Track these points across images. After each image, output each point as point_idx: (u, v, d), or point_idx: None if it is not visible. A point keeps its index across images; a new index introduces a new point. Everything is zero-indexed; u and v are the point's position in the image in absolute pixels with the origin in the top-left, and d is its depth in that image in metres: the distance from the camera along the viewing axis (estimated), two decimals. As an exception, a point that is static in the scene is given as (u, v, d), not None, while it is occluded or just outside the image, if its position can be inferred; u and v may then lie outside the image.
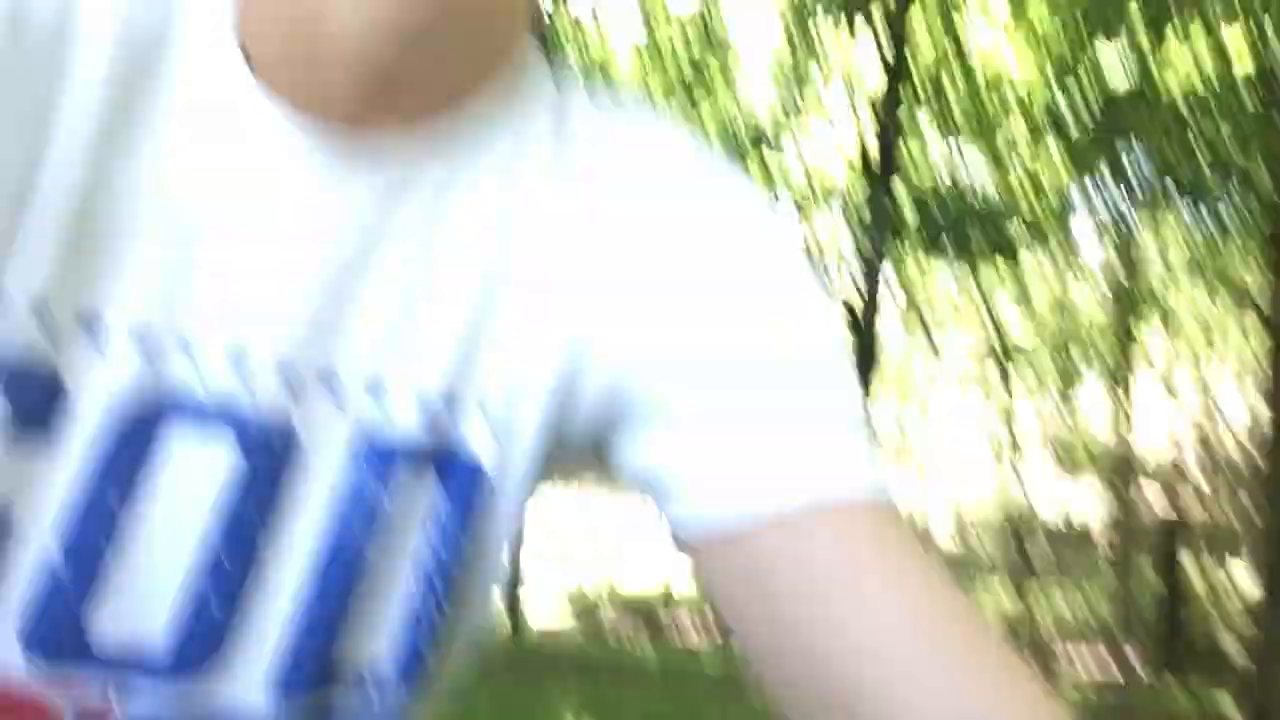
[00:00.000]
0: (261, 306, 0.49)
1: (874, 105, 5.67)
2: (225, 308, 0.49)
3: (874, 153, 6.08)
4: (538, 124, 0.55)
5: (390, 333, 0.51)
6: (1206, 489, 13.46)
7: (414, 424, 0.51)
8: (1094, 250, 11.92)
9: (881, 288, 6.98)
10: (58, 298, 0.46)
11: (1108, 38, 5.69)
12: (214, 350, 0.48)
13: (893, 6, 5.82)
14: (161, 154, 0.48)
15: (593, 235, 0.54)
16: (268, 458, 0.49)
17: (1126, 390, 13.39)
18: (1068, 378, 14.10)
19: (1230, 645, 10.70)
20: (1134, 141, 6.31)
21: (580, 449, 0.55)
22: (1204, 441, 13.52)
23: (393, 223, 0.51)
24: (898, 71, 5.39)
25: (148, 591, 0.47)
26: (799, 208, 7.57)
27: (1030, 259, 10.21)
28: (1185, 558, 11.94)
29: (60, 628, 0.46)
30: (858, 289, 6.81)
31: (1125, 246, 11.12)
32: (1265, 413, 8.36)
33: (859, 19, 6.41)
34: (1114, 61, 6.04)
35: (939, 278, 11.43)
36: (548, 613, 13.32)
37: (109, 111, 0.47)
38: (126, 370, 0.47)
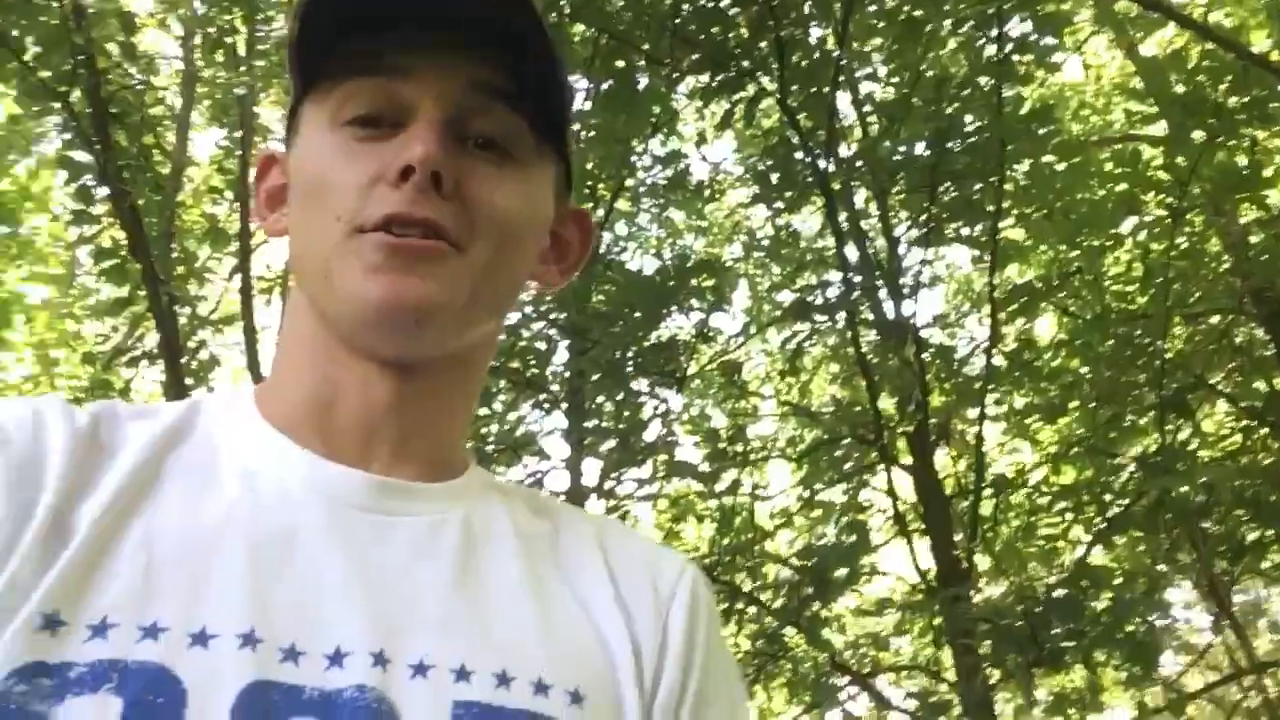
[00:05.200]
0: (351, 610, 0.60)
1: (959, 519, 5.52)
2: (242, 604, 0.58)
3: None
4: (487, 486, 0.75)
5: (478, 628, 0.63)
6: None
7: (502, 697, 0.62)
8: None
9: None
10: (115, 614, 0.56)
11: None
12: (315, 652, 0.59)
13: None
14: (193, 492, 0.63)
15: (585, 551, 0.73)
16: None
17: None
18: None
19: None
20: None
21: None
22: None
23: (437, 546, 0.66)
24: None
25: None
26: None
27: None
28: None
29: None
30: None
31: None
32: None
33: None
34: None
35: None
36: None
37: (145, 468, 0.63)
38: (237, 669, 0.56)
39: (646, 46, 4.63)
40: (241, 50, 6.25)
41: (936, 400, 5.43)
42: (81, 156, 5.77)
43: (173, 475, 0.64)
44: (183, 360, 6.04)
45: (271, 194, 0.76)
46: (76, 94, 5.34)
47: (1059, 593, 4.19)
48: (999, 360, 5.58)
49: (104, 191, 5.75)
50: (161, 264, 5.98)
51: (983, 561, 5.75)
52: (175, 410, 0.69)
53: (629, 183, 6.51)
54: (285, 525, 0.63)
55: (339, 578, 0.62)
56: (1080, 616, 3.84)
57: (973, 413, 5.53)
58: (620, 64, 4.62)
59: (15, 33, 5.09)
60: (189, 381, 6.08)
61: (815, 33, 5.29)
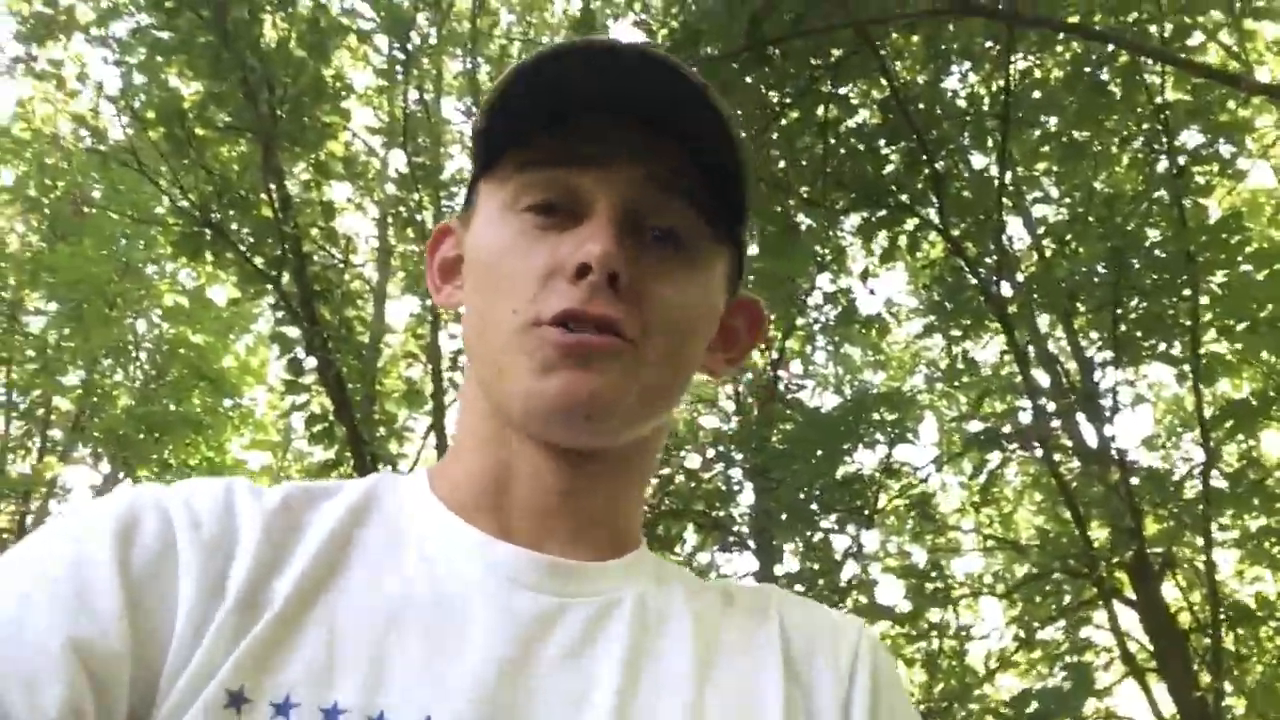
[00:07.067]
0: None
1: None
2: (419, 689, 0.58)
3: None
4: (658, 566, 0.74)
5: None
6: None
7: None
8: None
9: None
10: (297, 692, 0.57)
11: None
12: None
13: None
14: (374, 572, 0.64)
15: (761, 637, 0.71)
16: None
17: None
18: None
19: None
20: None
21: None
22: None
23: (611, 629, 0.65)
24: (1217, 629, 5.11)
25: None
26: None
27: None
28: None
29: None
30: None
31: None
32: None
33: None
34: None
35: None
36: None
37: (331, 546, 0.64)
38: None
39: (805, 190, 4.68)
40: (430, 225, 6.71)
41: (1152, 527, 5.03)
42: (291, 332, 6.25)
43: (358, 554, 0.65)
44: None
45: (445, 265, 0.77)
46: (285, 277, 5.83)
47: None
48: (1219, 482, 5.15)
49: (312, 363, 6.18)
50: (365, 426, 6.32)
51: (1234, 703, 5.20)
52: (357, 490, 0.70)
53: (799, 321, 6.52)
54: (461, 610, 0.63)
55: (514, 664, 0.61)
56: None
57: (1200, 539, 5.09)
58: (777, 208, 4.68)
59: (234, 225, 5.66)
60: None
61: (976, 160, 5.25)
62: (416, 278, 7.44)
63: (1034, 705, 4.23)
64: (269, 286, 5.96)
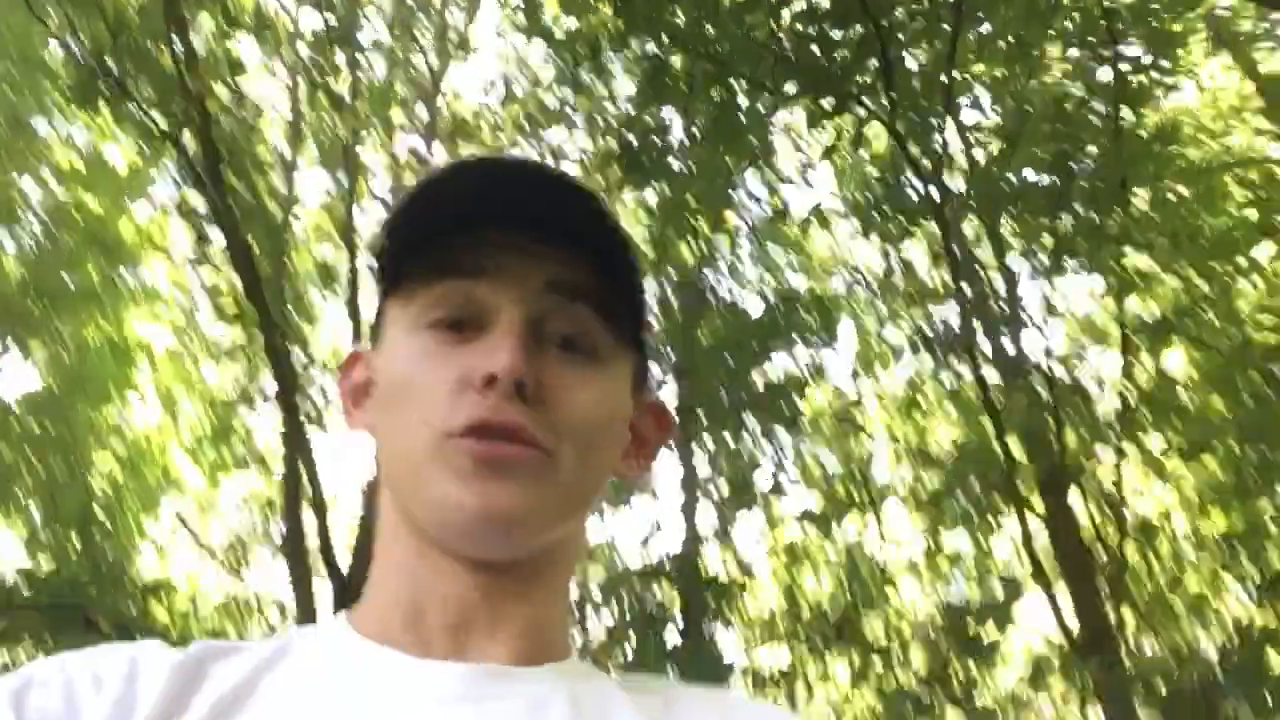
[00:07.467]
0: None
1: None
2: None
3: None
4: (591, 670, 0.73)
5: None
6: None
7: None
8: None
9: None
10: None
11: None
12: None
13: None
14: (280, 711, 0.63)
15: None
16: None
17: None
18: None
19: None
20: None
21: None
22: None
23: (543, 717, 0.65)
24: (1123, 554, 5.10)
25: None
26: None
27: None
28: None
29: None
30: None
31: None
32: None
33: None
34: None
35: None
36: None
37: (233, 694, 0.63)
38: None
39: (746, 71, 4.52)
40: (345, 93, 6.36)
41: (1070, 440, 5.11)
42: (197, 201, 5.91)
43: (265, 693, 0.65)
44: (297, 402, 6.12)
45: (356, 389, 0.78)
46: (189, 137, 5.45)
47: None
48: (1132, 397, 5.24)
49: (219, 236, 5.87)
50: (275, 305, 6.06)
51: (1129, 615, 5.40)
52: (272, 641, 0.70)
53: (729, 215, 6.39)
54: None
55: None
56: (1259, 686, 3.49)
57: (1105, 454, 5.19)
58: (722, 93, 4.53)
59: (132, 78, 5.23)
60: (304, 421, 6.14)
61: (912, 63, 5.12)
62: (327, 149, 7.08)
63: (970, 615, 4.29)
64: (171, 147, 5.58)
